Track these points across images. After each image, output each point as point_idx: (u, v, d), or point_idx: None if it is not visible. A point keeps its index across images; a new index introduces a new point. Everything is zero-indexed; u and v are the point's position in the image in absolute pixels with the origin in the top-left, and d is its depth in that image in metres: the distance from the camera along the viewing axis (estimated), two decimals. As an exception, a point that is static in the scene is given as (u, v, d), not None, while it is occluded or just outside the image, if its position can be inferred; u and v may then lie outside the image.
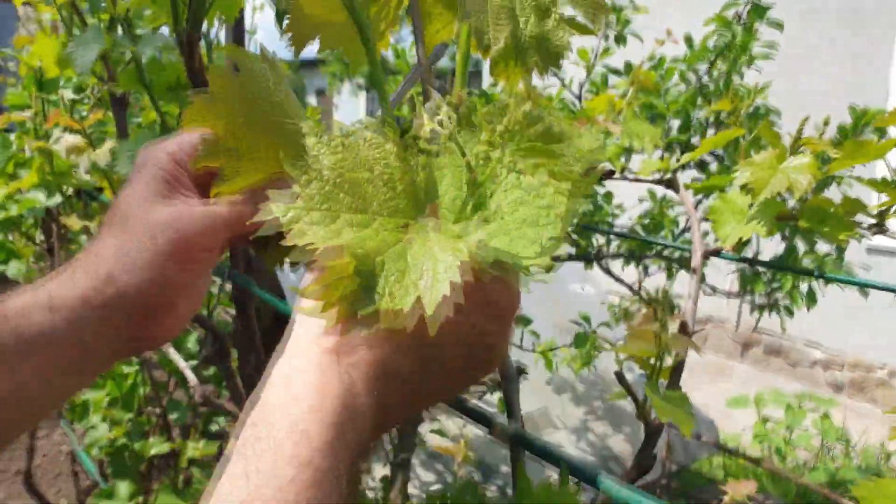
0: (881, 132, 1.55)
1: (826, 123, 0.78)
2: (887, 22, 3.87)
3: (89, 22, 0.97)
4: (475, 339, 0.37)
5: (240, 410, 1.13)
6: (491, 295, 0.36)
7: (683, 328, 0.85)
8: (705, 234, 1.67)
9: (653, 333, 0.75)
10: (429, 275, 0.32)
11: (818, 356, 4.32)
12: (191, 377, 1.11)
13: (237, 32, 0.75)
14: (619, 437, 2.32)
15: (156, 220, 0.43)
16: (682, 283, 1.89)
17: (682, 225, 2.08)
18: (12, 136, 1.82)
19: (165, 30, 0.84)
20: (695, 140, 1.79)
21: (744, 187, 0.84)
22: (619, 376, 0.77)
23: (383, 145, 0.36)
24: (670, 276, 2.24)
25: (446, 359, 0.37)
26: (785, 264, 1.79)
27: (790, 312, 1.88)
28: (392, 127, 0.37)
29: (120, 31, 0.85)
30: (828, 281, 0.93)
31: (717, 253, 0.90)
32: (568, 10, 0.45)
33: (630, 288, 2.34)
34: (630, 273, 2.33)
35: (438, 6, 0.49)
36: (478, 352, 0.38)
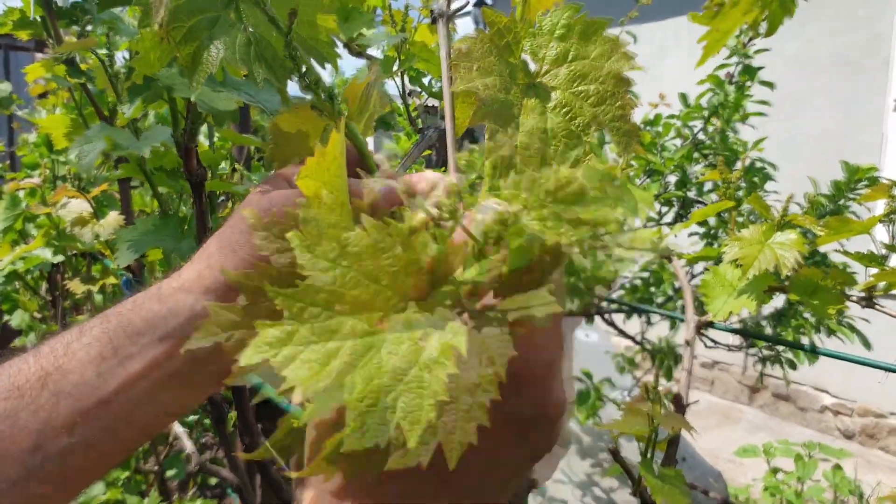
0: (875, 184, 1.57)
1: (812, 202, 0.79)
2: (879, 68, 3.93)
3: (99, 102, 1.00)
4: (514, 428, 0.32)
5: (237, 479, 1.13)
6: (518, 373, 0.30)
7: (678, 402, 0.85)
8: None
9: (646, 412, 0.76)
10: (408, 400, 0.26)
11: (827, 402, 4.27)
12: (188, 445, 1.12)
13: (242, 117, 0.77)
14: (625, 491, 2.29)
15: (249, 201, 0.45)
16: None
17: (682, 277, 2.09)
18: (21, 194, 1.86)
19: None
20: (691, 194, 1.81)
21: (733, 261, 0.85)
22: (614, 453, 0.78)
23: (391, 249, 0.31)
24: (673, 326, 2.24)
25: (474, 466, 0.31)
26: (785, 317, 1.79)
27: (793, 365, 1.87)
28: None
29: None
30: (823, 353, 0.93)
31: (710, 324, 0.91)
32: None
33: (633, 339, 2.34)
34: (634, 323, 2.33)
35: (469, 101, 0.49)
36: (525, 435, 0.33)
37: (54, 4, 1.01)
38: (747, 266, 0.79)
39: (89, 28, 0.82)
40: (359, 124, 0.50)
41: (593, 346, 3.00)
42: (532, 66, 0.46)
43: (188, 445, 1.11)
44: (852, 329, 1.72)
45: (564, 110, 0.45)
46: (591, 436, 2.56)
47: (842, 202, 1.53)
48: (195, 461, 1.07)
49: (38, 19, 1.01)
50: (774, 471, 2.83)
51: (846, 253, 0.84)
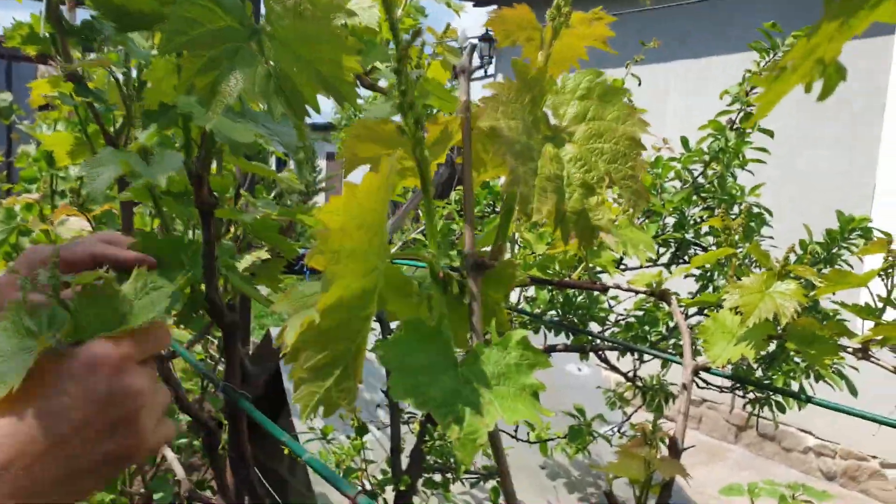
0: (868, 233, 1.59)
1: (806, 250, 0.80)
2: (873, 109, 4.02)
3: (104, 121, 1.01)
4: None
5: (226, 506, 1.12)
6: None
7: (673, 446, 0.85)
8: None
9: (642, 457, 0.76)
10: None
11: (811, 443, 4.28)
12: (178, 470, 1.10)
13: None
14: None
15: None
16: (677, 370, 1.90)
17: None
18: (17, 208, 1.85)
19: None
20: (689, 236, 1.82)
21: (733, 308, 0.86)
22: (609, 496, 0.77)
23: None
24: (664, 365, 2.24)
25: None
26: (776, 361, 1.79)
27: (782, 409, 1.87)
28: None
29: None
30: (816, 403, 0.94)
31: (707, 369, 0.91)
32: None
33: (625, 376, 2.34)
34: (626, 360, 2.32)
35: (490, 154, 0.51)
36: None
37: (65, 22, 1.01)
38: (748, 314, 0.80)
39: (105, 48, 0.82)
40: (434, 153, 0.52)
41: (584, 380, 2.99)
42: (552, 120, 0.48)
43: (179, 471, 1.10)
44: (841, 376, 1.73)
45: (580, 163, 0.47)
46: (579, 470, 2.55)
47: (835, 250, 1.55)
48: (185, 488, 1.06)
49: (47, 36, 1.02)
50: (760, 512, 2.81)
51: (844, 305, 0.85)
